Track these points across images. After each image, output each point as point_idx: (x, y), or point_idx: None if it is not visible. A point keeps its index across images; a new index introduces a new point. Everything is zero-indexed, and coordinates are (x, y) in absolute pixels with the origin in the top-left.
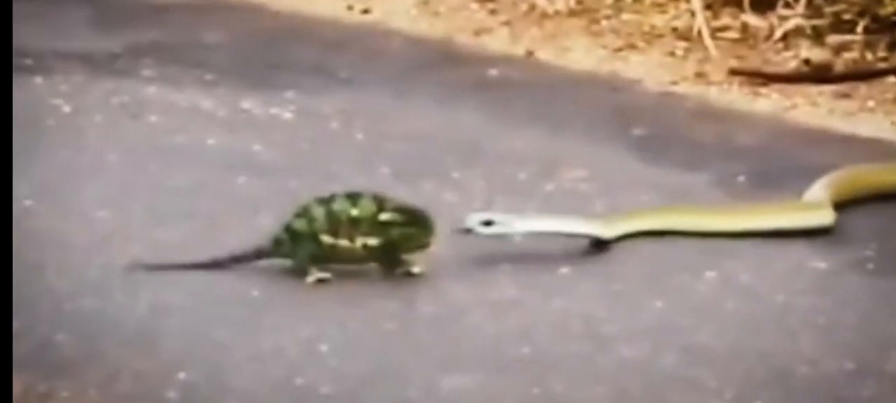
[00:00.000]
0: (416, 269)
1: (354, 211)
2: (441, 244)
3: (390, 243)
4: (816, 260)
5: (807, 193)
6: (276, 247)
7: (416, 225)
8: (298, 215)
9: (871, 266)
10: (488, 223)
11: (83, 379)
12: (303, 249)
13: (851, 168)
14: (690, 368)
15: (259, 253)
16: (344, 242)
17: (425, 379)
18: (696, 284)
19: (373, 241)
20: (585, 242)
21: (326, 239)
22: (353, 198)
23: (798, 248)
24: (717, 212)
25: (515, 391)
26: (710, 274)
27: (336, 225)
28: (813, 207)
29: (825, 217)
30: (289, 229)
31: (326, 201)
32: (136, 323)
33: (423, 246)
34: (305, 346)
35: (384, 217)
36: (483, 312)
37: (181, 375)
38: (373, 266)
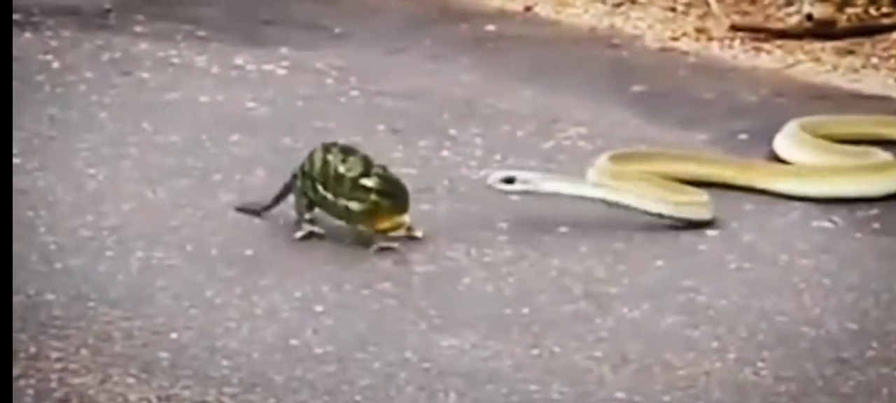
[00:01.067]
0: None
1: (341, 168)
2: (437, 203)
3: (367, 212)
4: (820, 219)
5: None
6: (293, 182)
7: (392, 198)
8: (308, 156)
9: (876, 225)
10: (509, 180)
11: (74, 340)
12: (300, 190)
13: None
14: (691, 329)
15: (287, 188)
16: (330, 196)
17: (422, 340)
18: (698, 243)
19: (354, 206)
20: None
21: (320, 188)
22: (346, 152)
23: (802, 206)
24: (780, 173)
25: (514, 352)
26: (711, 233)
27: (326, 176)
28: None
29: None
30: (302, 167)
31: (327, 148)
32: (127, 282)
33: (396, 225)
34: (299, 306)
35: (366, 181)
36: (480, 272)
37: (173, 336)
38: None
